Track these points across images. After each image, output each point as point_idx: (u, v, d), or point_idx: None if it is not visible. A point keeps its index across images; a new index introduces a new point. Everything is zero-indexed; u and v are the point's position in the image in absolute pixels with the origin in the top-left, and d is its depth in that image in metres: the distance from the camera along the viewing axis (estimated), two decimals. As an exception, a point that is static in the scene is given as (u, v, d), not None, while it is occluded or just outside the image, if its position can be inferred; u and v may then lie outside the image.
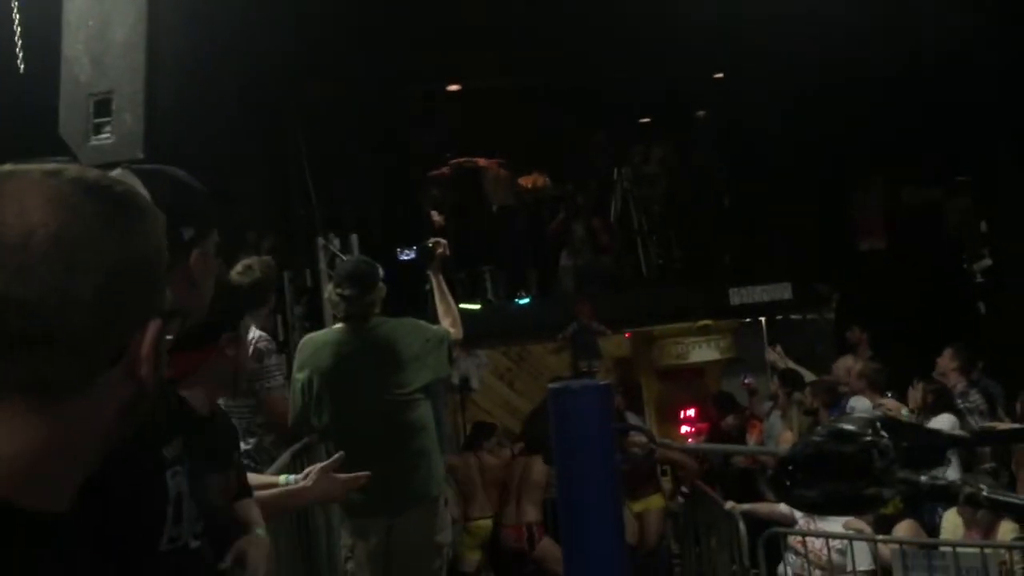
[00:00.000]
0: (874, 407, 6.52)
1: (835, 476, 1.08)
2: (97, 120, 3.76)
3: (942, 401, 6.49)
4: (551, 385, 2.55)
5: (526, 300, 11.46)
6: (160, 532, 1.54)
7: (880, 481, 1.05)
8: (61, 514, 0.87)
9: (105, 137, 3.69)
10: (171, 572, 1.56)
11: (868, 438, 1.07)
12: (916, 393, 6.57)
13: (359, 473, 2.78)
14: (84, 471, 0.90)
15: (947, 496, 1.01)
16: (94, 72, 3.70)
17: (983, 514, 5.34)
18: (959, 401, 6.80)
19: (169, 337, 0.95)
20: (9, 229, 0.84)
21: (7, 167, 0.89)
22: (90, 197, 0.89)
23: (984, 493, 0.98)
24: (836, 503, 1.14)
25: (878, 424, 1.10)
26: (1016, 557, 5.13)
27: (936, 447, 1.17)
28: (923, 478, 1.04)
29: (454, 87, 12.30)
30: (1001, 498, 0.99)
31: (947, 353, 7.47)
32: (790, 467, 1.12)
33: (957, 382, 7.20)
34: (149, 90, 3.74)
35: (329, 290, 4.65)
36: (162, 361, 0.94)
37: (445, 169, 11.69)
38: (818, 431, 1.15)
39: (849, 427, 1.09)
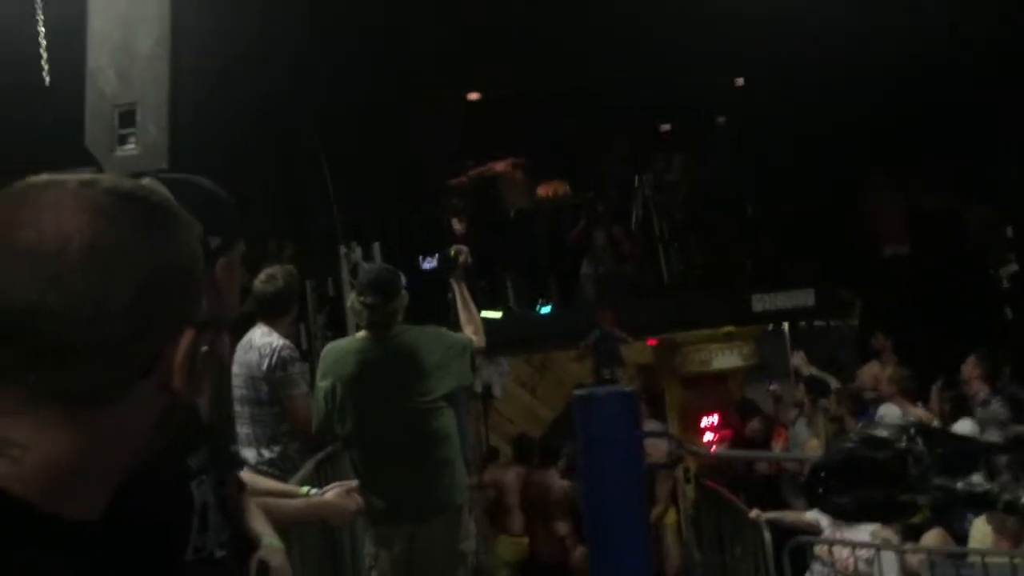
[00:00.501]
0: (903, 415, 6.44)
1: (869, 482, 1.06)
2: (122, 131, 3.80)
3: (961, 408, 6.40)
4: (576, 392, 2.54)
5: (548, 308, 11.45)
6: (186, 542, 1.55)
7: (915, 488, 1.04)
8: (92, 522, 0.87)
9: (130, 148, 3.74)
10: None
11: (902, 444, 1.05)
12: (933, 398, 6.48)
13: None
14: (115, 481, 0.90)
15: (985, 503, 1.00)
16: (119, 84, 3.74)
17: (1013, 522, 5.26)
18: (979, 410, 6.70)
19: (204, 348, 0.95)
20: (45, 238, 0.84)
21: (43, 177, 0.90)
22: (125, 206, 0.89)
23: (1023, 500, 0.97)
24: (869, 510, 1.12)
25: (912, 430, 1.09)
26: (1047, 565, 5.05)
27: (970, 454, 1.15)
28: (959, 484, 1.03)
29: (474, 96, 12.33)
30: (1042, 505, 0.97)
31: (971, 360, 7.38)
32: (822, 473, 1.10)
33: (980, 390, 7.10)
34: (173, 102, 3.78)
35: (352, 298, 4.66)
36: (196, 372, 0.94)
37: (463, 179, 11.72)
38: (850, 437, 1.13)
39: (882, 433, 1.07)
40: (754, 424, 9.13)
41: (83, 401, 0.85)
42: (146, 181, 1.51)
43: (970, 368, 7.24)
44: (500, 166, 11.69)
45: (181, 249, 0.92)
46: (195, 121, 4.14)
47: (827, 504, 1.13)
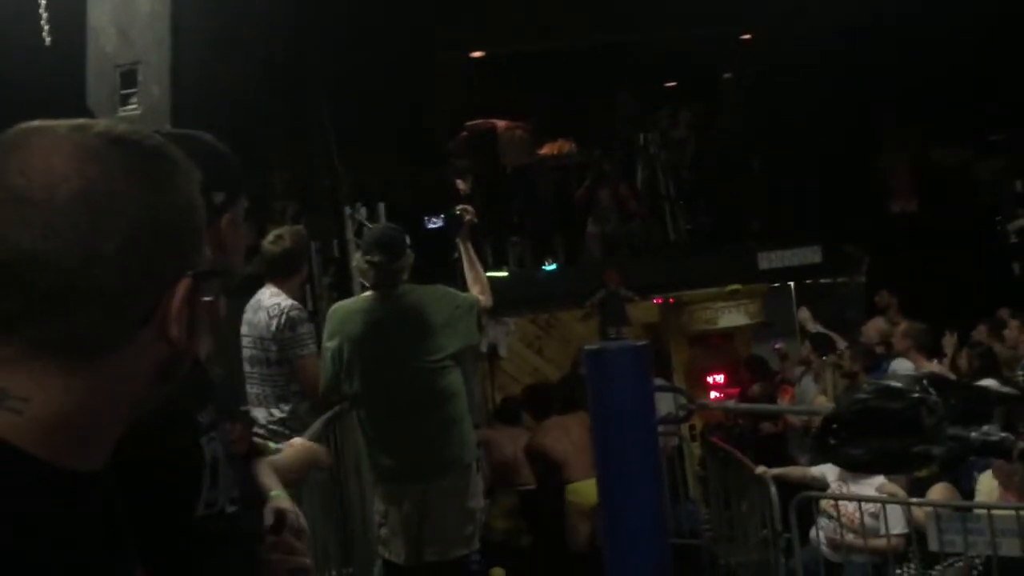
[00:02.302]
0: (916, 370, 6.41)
1: (883, 433, 1.06)
2: (124, 91, 3.78)
3: (988, 365, 6.37)
4: (587, 347, 2.53)
5: (553, 267, 11.43)
6: (196, 497, 1.55)
7: (929, 438, 1.03)
8: (95, 473, 0.86)
9: (132, 108, 3.72)
10: (207, 536, 1.56)
11: (917, 395, 1.04)
12: (948, 353, 6.46)
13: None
14: (117, 432, 0.90)
15: (1000, 451, 0.99)
16: (120, 43, 3.71)
17: (1020, 477, 5.28)
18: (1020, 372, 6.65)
19: (208, 298, 0.94)
20: (35, 185, 0.83)
21: (35, 123, 0.88)
22: (117, 151, 0.87)
23: (1040, 448, 0.96)
24: (883, 461, 1.12)
25: (925, 381, 1.08)
26: (1053, 519, 5.06)
27: (984, 404, 1.14)
28: (973, 434, 1.02)
29: (478, 53, 12.22)
30: (1059, 453, 0.96)
31: (1014, 325, 7.35)
32: (835, 425, 1.09)
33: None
34: (175, 61, 3.75)
35: (357, 258, 4.66)
36: (197, 322, 0.92)
37: (463, 134, 11.66)
38: (864, 388, 1.12)
39: (897, 384, 1.07)
40: (755, 389, 9.14)
41: (81, 350, 0.84)
42: None
43: (1016, 333, 7.20)
44: (500, 124, 11.64)
45: (177, 195, 0.90)
46: (198, 81, 4.11)
47: (840, 456, 1.12)
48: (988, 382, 6.12)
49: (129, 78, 3.75)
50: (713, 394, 11.13)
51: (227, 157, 1.70)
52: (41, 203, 0.82)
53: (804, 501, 5.99)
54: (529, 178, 11.80)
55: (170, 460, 1.42)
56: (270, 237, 4.62)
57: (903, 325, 7.31)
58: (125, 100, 3.73)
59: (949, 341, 7.02)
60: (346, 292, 7.11)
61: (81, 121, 0.89)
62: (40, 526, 0.79)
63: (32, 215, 0.82)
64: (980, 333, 7.96)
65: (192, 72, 3.96)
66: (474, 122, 11.72)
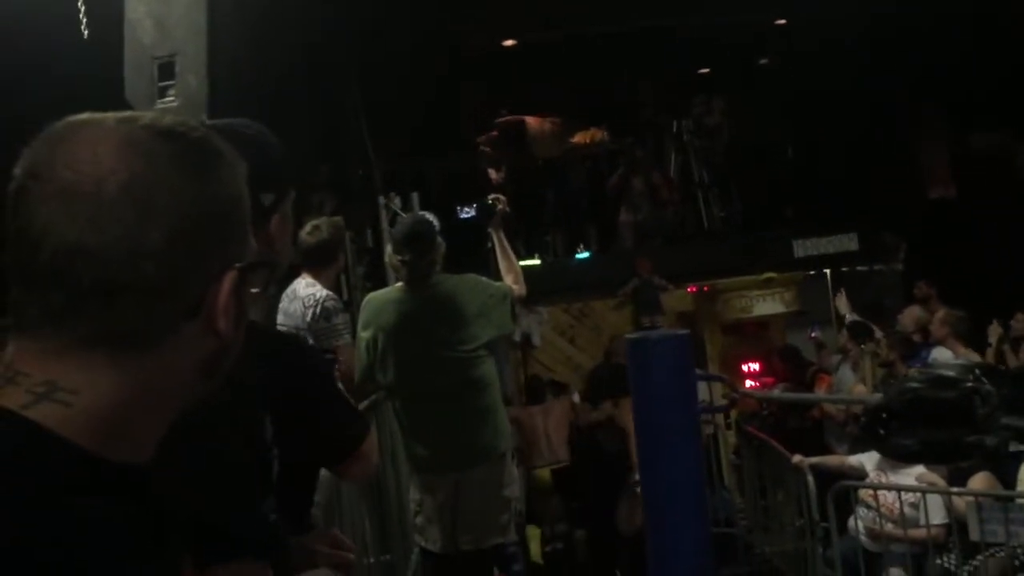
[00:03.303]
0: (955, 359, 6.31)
1: (934, 423, 1.04)
2: (162, 84, 3.80)
3: None
4: (628, 335, 2.52)
5: (586, 255, 11.40)
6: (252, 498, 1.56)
7: (982, 428, 1.01)
8: (142, 466, 0.87)
9: (170, 100, 3.75)
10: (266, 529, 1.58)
11: (970, 384, 1.03)
12: (994, 335, 6.33)
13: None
14: (165, 425, 0.90)
15: (1057, 442, 0.97)
16: (157, 35, 3.73)
17: (1062, 466, 5.20)
18: None
19: (255, 290, 0.93)
20: (82, 177, 0.83)
21: (82, 116, 0.88)
22: (164, 142, 0.87)
23: (1098, 438, 0.94)
24: (935, 451, 1.10)
25: (978, 371, 1.06)
26: (1096, 509, 4.99)
27: (1037, 394, 1.12)
28: (1029, 424, 1.00)
29: (510, 42, 12.19)
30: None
31: None
32: (884, 415, 1.08)
33: None
34: (212, 52, 3.77)
35: (389, 253, 4.65)
36: (244, 315, 0.92)
37: (493, 132, 11.66)
38: (914, 377, 1.11)
39: (949, 373, 1.05)
40: (784, 387, 9.06)
41: (128, 344, 0.85)
42: None
43: None
44: (530, 119, 11.63)
45: (223, 187, 0.90)
46: (234, 73, 4.13)
47: (890, 446, 1.11)
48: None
49: (167, 70, 3.78)
50: (748, 383, 11.07)
51: (274, 151, 1.69)
52: (87, 196, 0.83)
53: (842, 490, 5.94)
54: (561, 168, 11.77)
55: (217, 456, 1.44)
56: (307, 228, 4.64)
57: (941, 312, 7.20)
58: (163, 92, 3.77)
59: (994, 331, 6.91)
60: (380, 282, 7.14)
61: (128, 113, 0.89)
62: (90, 518, 0.80)
63: (78, 208, 0.82)
64: (1019, 322, 7.83)
65: (228, 63, 3.98)
66: (504, 118, 11.71)
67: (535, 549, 8.30)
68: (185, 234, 0.85)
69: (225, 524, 1.45)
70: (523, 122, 11.63)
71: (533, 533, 8.35)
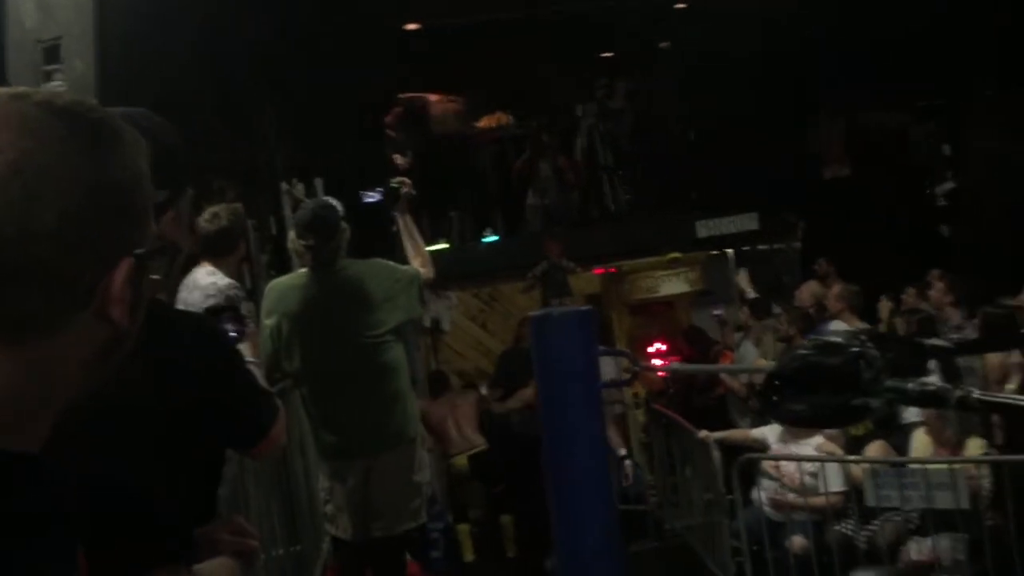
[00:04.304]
0: None
1: (823, 388, 1.07)
2: (47, 67, 3.66)
3: (927, 330, 6.53)
4: (532, 314, 2.53)
5: (493, 238, 11.42)
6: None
7: (868, 391, 1.05)
8: (32, 454, 0.84)
9: (57, 84, 3.60)
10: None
11: (855, 349, 1.06)
12: (884, 310, 6.59)
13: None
14: (54, 415, 0.87)
15: (937, 400, 1.01)
16: (40, 16, 3.58)
17: (951, 433, 5.45)
18: (953, 336, 6.81)
19: (155, 277, 0.90)
20: None
21: None
22: (57, 121, 0.83)
23: (975, 395, 0.98)
24: (824, 415, 1.14)
25: (863, 336, 1.10)
26: (983, 471, 5.24)
27: (920, 358, 1.17)
28: (910, 385, 1.04)
29: (413, 26, 12.09)
30: (992, 399, 0.99)
31: (939, 287, 7.48)
32: (777, 382, 1.11)
33: (952, 315, 7.21)
34: (100, 34, 3.64)
35: (292, 239, 4.58)
36: (141, 303, 0.89)
37: (397, 110, 11.60)
38: (804, 344, 1.14)
39: (835, 339, 1.08)
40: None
41: (16, 329, 0.81)
42: None
43: (940, 295, 7.35)
44: (433, 97, 11.62)
45: (121, 170, 0.86)
46: (126, 55, 3.99)
47: (783, 412, 1.14)
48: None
49: (52, 54, 3.64)
50: (655, 362, 11.27)
51: (170, 146, 1.61)
52: None
53: (746, 463, 6.11)
54: (467, 151, 11.76)
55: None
56: (206, 215, 4.52)
57: (836, 288, 7.46)
58: (49, 76, 3.62)
59: (884, 306, 7.18)
60: (284, 269, 7.01)
61: (21, 89, 0.85)
62: None
63: None
64: (910, 296, 8.16)
65: (120, 46, 3.84)
66: (407, 95, 11.65)
67: (467, 545, 8.35)
68: (78, 217, 0.81)
69: (131, 510, 1.42)
70: (426, 101, 11.62)
71: (463, 529, 8.37)
